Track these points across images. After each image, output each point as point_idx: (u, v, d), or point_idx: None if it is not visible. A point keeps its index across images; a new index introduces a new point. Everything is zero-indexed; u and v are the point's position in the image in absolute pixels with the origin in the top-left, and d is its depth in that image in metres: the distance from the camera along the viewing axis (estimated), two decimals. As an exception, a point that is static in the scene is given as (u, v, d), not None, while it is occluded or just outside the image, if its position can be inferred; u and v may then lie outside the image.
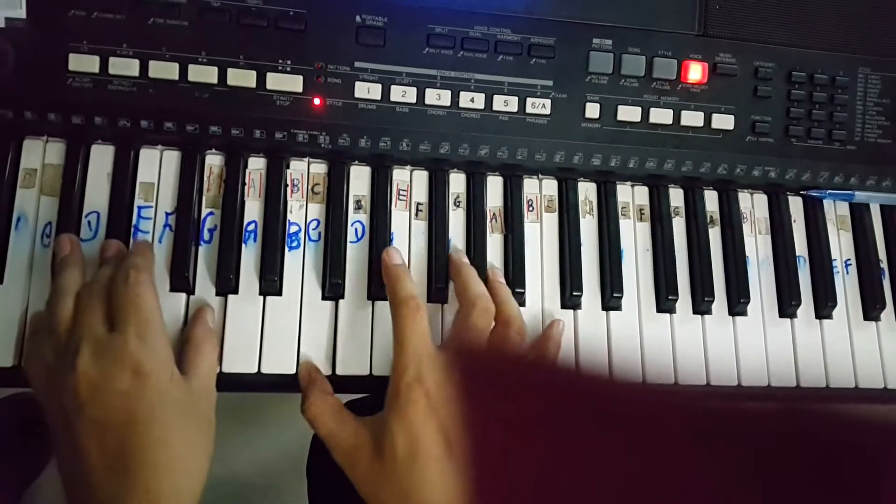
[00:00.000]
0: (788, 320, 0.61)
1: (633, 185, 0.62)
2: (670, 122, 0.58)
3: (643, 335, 0.58)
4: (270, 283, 0.53)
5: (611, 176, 0.60)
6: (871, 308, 0.62)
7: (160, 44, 0.51)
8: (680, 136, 0.58)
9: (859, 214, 0.65)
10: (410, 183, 0.58)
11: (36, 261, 0.52)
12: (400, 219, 0.57)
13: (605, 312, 0.58)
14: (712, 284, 0.59)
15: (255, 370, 0.52)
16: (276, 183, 0.55)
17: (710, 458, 0.23)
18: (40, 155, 0.54)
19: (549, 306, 0.57)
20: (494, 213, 0.59)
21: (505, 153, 0.57)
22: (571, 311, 0.58)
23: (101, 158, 0.54)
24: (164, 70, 0.51)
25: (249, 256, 0.54)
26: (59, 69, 0.50)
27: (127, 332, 0.44)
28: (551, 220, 0.59)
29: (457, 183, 0.59)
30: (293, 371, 0.52)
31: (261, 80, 0.52)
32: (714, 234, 0.61)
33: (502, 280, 0.56)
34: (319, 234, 0.56)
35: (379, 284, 0.54)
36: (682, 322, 0.59)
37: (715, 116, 0.58)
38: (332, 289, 0.54)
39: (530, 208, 0.59)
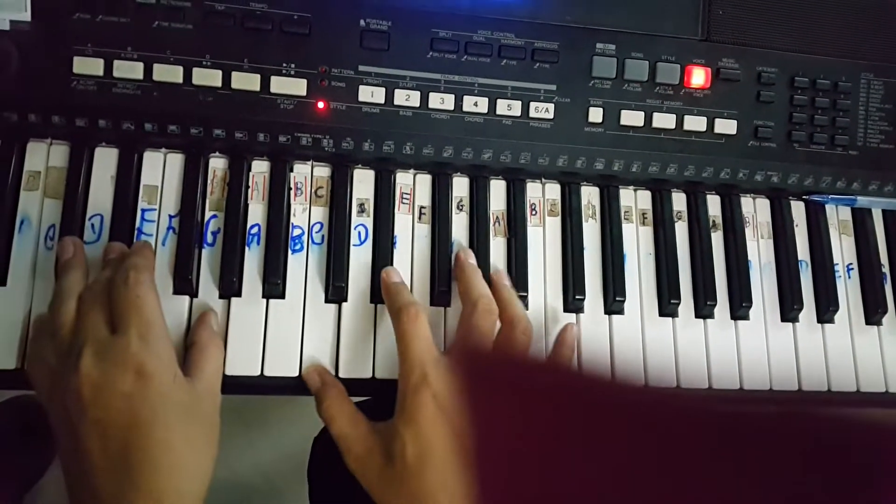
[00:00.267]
0: (790, 324, 0.61)
1: (635, 190, 0.62)
2: (673, 126, 0.58)
3: (645, 339, 0.58)
4: (274, 287, 0.53)
5: (614, 180, 0.60)
6: (873, 312, 0.62)
7: (164, 47, 0.51)
8: (683, 140, 0.58)
9: (861, 219, 0.65)
10: (414, 186, 0.58)
11: (39, 263, 0.52)
12: (403, 222, 0.57)
13: (607, 316, 0.58)
14: (714, 288, 0.59)
15: (258, 373, 0.52)
16: (279, 186, 0.55)
17: (712, 461, 0.23)
18: (44, 157, 0.54)
19: (551, 310, 0.57)
20: (497, 217, 0.59)
21: (508, 157, 0.57)
22: (574, 314, 0.58)
23: (105, 161, 0.54)
24: (168, 73, 0.51)
25: (253, 259, 0.54)
26: (64, 72, 0.50)
27: (129, 333, 0.44)
28: (554, 224, 0.59)
29: (460, 187, 0.59)
30: (296, 374, 0.52)
31: (265, 83, 0.52)
32: (716, 239, 0.62)
33: (507, 282, 0.56)
34: (323, 237, 0.56)
35: (382, 287, 0.54)
36: (684, 326, 0.59)
37: (718, 121, 0.58)
38: (335, 292, 0.54)
39: (533, 212, 0.59)
